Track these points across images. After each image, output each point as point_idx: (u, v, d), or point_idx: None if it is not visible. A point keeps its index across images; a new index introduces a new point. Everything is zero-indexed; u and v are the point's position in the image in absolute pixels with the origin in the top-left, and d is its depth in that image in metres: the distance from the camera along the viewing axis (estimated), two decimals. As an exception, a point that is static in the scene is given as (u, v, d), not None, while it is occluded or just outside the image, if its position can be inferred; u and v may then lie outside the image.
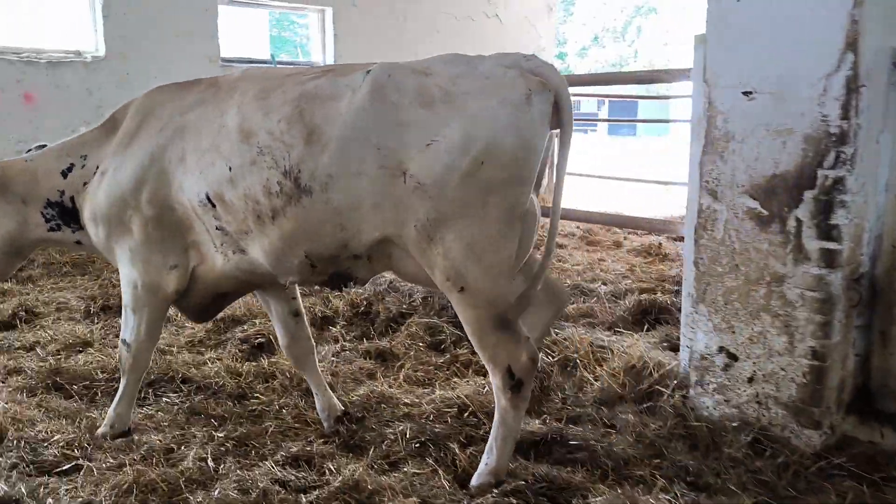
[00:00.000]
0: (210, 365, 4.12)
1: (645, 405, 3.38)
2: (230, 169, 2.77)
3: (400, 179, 2.55)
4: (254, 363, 4.18)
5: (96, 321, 4.96)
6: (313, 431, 3.36)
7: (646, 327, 4.56)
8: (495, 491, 2.71)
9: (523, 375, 2.70)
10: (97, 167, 3.16)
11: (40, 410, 3.44)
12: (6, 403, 3.42)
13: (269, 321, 4.91)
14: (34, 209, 3.27)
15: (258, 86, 2.85)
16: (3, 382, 3.91)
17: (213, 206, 2.86)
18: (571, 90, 2.69)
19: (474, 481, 2.80)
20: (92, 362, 4.12)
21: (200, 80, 3.12)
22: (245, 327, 4.79)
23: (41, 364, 4.12)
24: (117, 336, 4.72)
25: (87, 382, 3.85)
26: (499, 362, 2.68)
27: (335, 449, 3.15)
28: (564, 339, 4.07)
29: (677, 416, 3.24)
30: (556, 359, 3.89)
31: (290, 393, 3.75)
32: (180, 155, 2.93)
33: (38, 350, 4.38)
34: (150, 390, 3.79)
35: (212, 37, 8.33)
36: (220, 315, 4.94)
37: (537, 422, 3.35)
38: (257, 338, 4.58)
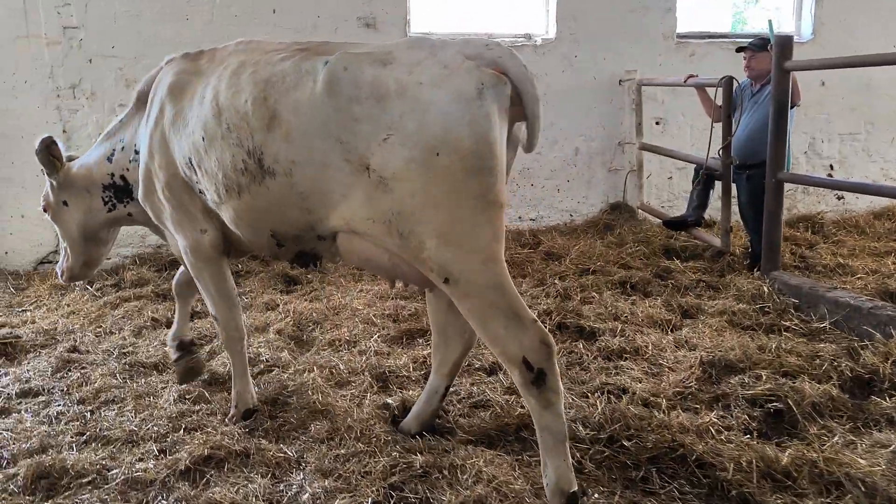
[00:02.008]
0: (721, 439, 2.97)
1: None
2: (203, 139, 2.88)
3: (365, 174, 2.50)
4: (790, 448, 2.91)
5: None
6: None
7: None
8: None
9: (542, 364, 2.42)
10: (135, 146, 3.40)
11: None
12: (488, 466, 2.70)
13: (777, 374, 3.64)
14: (96, 195, 3.61)
15: (239, 60, 2.90)
16: (467, 418, 3.29)
17: (195, 170, 2.99)
18: None
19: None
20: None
21: (203, 52, 3.19)
22: (745, 378, 3.56)
23: (504, 398, 3.43)
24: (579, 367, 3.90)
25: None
26: (511, 355, 2.44)
27: None
28: None
29: None
30: None
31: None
32: (172, 120, 3.07)
33: (499, 376, 3.73)
34: (653, 469, 2.79)
35: (668, 10, 7.21)
36: (709, 357, 3.80)
37: None
38: (771, 400, 3.32)
